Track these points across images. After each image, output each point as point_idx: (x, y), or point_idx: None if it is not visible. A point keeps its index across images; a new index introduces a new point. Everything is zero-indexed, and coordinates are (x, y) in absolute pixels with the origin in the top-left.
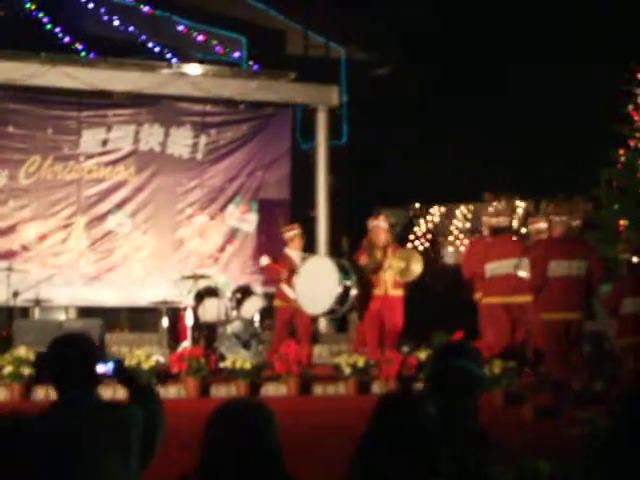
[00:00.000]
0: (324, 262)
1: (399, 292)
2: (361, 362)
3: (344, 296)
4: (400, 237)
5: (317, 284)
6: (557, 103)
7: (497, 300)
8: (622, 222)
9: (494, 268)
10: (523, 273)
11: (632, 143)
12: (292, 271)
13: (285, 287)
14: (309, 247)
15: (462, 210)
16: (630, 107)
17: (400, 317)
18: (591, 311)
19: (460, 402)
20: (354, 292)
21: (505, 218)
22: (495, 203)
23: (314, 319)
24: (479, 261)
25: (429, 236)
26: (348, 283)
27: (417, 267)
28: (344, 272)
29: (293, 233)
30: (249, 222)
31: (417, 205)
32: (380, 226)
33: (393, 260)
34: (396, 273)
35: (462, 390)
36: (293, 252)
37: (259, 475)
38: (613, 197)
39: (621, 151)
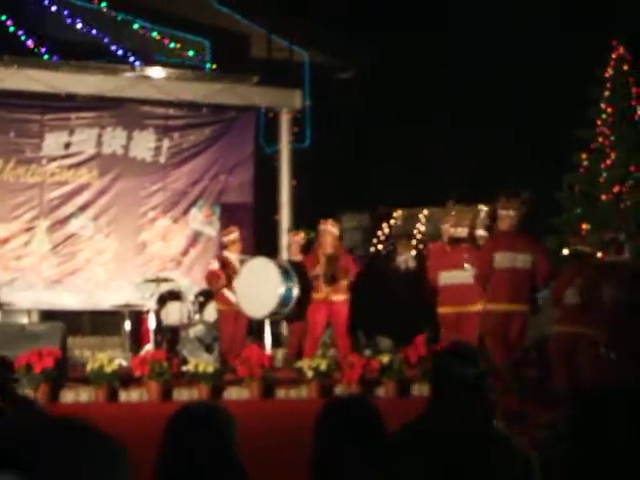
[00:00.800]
0: (265, 264)
1: (342, 296)
2: (323, 365)
3: (286, 298)
4: (362, 240)
5: (258, 287)
6: (522, 106)
7: (450, 310)
8: (584, 226)
9: (447, 277)
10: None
11: (594, 147)
12: (232, 275)
13: (226, 291)
14: (272, 251)
15: (425, 214)
16: (592, 110)
17: (346, 321)
18: (536, 306)
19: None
20: (296, 294)
21: (462, 229)
22: (453, 213)
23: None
24: (434, 269)
25: (391, 240)
26: (290, 285)
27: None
28: (286, 274)
29: (233, 237)
30: (212, 226)
31: (380, 208)
32: (328, 231)
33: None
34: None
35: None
36: (232, 255)
37: (218, 478)
38: (575, 201)
39: (583, 155)
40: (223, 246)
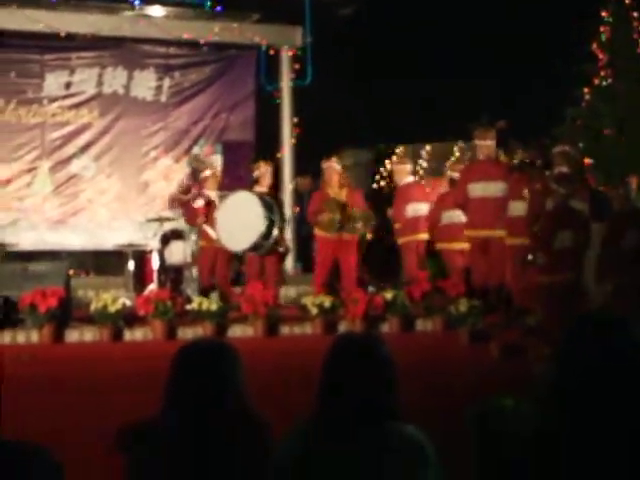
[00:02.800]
0: (246, 197)
1: (352, 235)
2: (327, 302)
3: (268, 230)
4: (364, 177)
5: (240, 220)
6: (523, 43)
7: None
8: (587, 161)
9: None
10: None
11: (596, 82)
12: (211, 211)
13: (207, 227)
14: (275, 188)
15: (428, 150)
16: (594, 45)
17: (354, 258)
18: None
19: None
20: (277, 227)
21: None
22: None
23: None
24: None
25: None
26: (272, 217)
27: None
28: (267, 207)
29: (209, 173)
30: (215, 163)
31: (380, 145)
32: (332, 167)
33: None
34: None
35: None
36: (211, 193)
37: (224, 415)
38: (576, 135)
39: (586, 90)
40: (201, 183)
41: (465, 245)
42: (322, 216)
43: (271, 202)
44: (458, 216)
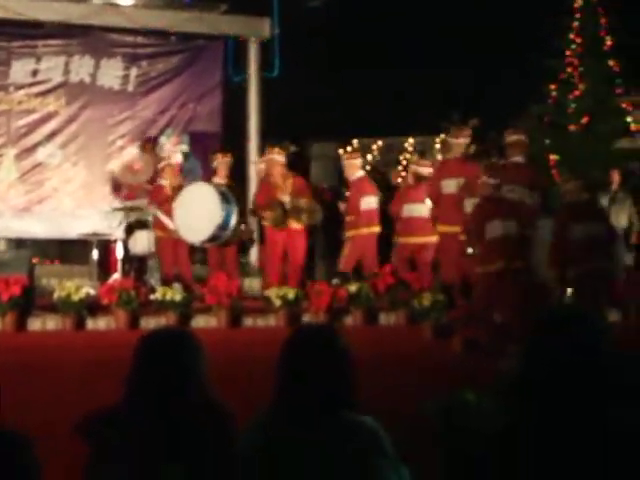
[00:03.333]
0: (203, 189)
1: (299, 225)
2: (291, 294)
3: (225, 221)
4: (332, 170)
5: (197, 211)
6: (489, 38)
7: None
8: (552, 157)
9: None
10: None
11: (563, 77)
12: (168, 201)
13: (163, 217)
14: (240, 180)
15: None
16: (561, 42)
17: (302, 248)
18: None
19: None
20: (235, 218)
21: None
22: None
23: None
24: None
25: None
26: (229, 209)
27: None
28: (224, 198)
29: (164, 164)
30: (180, 154)
31: (352, 138)
32: (274, 159)
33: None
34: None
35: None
36: (165, 182)
37: (187, 404)
38: (543, 132)
39: (552, 86)
40: (159, 173)
41: (426, 239)
42: (266, 214)
43: (227, 192)
44: (419, 210)
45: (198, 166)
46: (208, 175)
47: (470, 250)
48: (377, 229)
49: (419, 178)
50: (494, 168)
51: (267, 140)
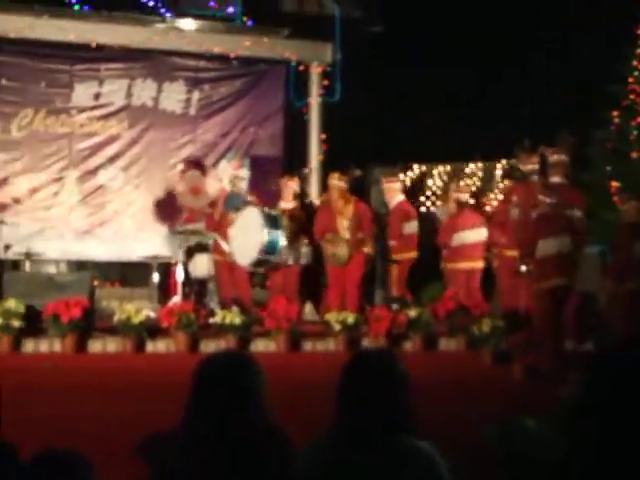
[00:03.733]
0: (252, 213)
1: (357, 250)
2: (351, 319)
3: (271, 247)
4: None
5: (246, 236)
6: (552, 65)
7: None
8: (614, 184)
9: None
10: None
11: (625, 104)
12: (221, 225)
13: (220, 240)
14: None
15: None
16: (625, 68)
17: (361, 276)
18: None
19: None
20: (282, 242)
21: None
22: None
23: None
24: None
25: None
26: (274, 233)
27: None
28: (270, 222)
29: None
30: (242, 178)
31: (413, 164)
32: (334, 184)
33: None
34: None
35: None
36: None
37: (247, 427)
38: (605, 159)
39: (615, 113)
40: (275, 198)
41: (474, 264)
42: (327, 248)
43: (275, 217)
44: (468, 237)
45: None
46: (271, 199)
47: (523, 268)
48: (414, 254)
49: (461, 204)
50: (550, 187)
51: (327, 165)
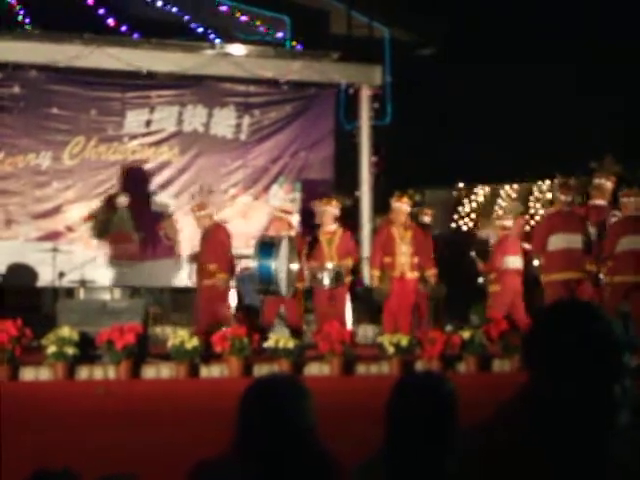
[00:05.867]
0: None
1: (415, 275)
2: (404, 341)
3: (262, 274)
4: (443, 217)
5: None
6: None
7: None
8: None
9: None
10: None
11: None
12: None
13: None
14: (353, 228)
15: (507, 190)
16: None
17: (412, 299)
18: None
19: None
20: (274, 268)
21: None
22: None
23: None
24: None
25: (472, 215)
26: (264, 261)
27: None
28: (262, 249)
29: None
30: (293, 202)
31: (461, 185)
32: (401, 208)
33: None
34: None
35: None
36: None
37: (295, 454)
38: None
39: None
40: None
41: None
42: (375, 280)
43: (272, 244)
44: (514, 262)
45: None
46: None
47: (536, 261)
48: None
49: (505, 229)
50: (569, 186)
51: (378, 187)
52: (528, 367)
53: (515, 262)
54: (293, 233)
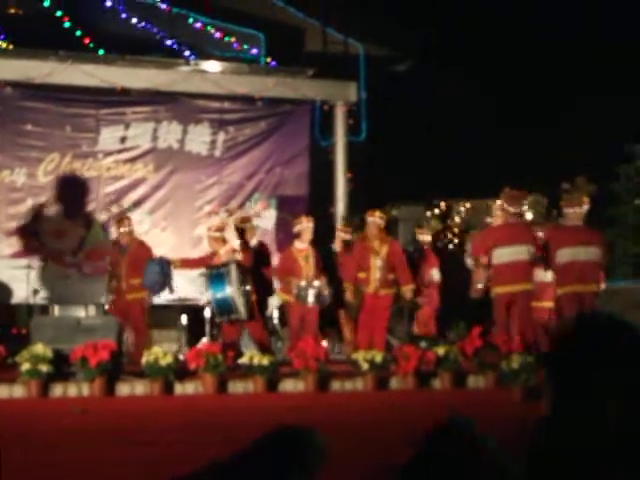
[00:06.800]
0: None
1: (388, 291)
2: (379, 358)
3: (222, 304)
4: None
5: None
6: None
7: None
8: None
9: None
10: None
11: None
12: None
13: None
14: (327, 244)
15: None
16: None
17: (386, 315)
18: None
19: None
20: (223, 296)
21: None
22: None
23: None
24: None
25: (455, 231)
26: (215, 290)
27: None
28: (215, 283)
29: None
30: (268, 219)
31: (442, 203)
32: (375, 222)
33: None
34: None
35: None
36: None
37: None
38: (632, 193)
39: None
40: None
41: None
42: (347, 295)
43: (221, 272)
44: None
45: None
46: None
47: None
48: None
49: (425, 244)
50: (516, 197)
51: (354, 204)
52: (557, 389)
53: (436, 275)
54: (234, 252)
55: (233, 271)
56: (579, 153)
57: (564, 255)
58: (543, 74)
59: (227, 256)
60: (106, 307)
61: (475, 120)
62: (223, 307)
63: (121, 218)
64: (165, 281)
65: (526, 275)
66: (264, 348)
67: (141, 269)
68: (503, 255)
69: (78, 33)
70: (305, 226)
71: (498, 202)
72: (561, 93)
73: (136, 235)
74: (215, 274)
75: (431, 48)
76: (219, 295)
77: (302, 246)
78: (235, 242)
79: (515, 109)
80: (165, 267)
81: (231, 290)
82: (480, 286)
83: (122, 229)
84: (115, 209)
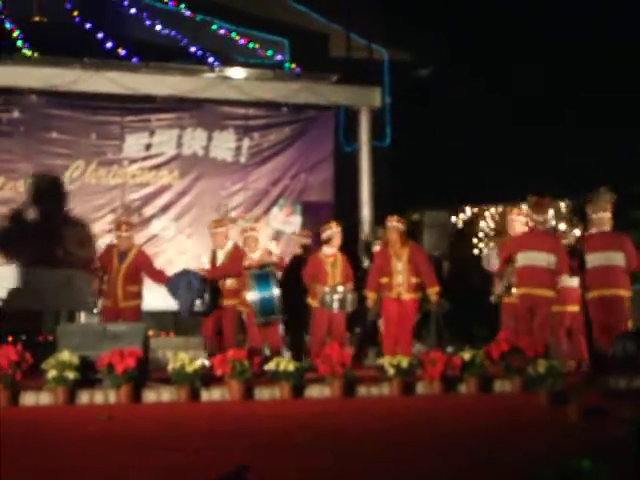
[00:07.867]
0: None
1: (412, 295)
2: (405, 363)
3: (266, 306)
4: (442, 238)
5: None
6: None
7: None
8: None
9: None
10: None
11: None
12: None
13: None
14: (352, 250)
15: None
16: None
17: (412, 320)
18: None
19: None
20: (269, 296)
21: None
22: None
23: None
24: None
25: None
26: (268, 293)
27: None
28: (260, 284)
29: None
30: (293, 225)
31: (467, 208)
32: (393, 227)
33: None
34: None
35: None
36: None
37: None
38: None
39: None
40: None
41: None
42: (368, 303)
43: (267, 273)
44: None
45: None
46: (320, 245)
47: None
48: None
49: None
50: (542, 205)
51: (379, 209)
52: None
53: None
54: (269, 255)
55: (272, 273)
56: (603, 156)
57: (592, 260)
58: (576, 78)
59: (262, 258)
60: (95, 311)
61: (498, 124)
62: (267, 307)
63: (120, 222)
64: (197, 295)
65: (543, 281)
66: (278, 354)
67: (139, 277)
68: (521, 259)
69: (103, 40)
70: (334, 231)
71: (515, 210)
72: (601, 96)
73: (134, 241)
74: (261, 274)
75: (455, 52)
76: (266, 295)
77: (331, 252)
78: (271, 245)
79: (538, 111)
80: (194, 282)
81: (277, 291)
82: (499, 292)
83: (121, 233)
84: (137, 218)
